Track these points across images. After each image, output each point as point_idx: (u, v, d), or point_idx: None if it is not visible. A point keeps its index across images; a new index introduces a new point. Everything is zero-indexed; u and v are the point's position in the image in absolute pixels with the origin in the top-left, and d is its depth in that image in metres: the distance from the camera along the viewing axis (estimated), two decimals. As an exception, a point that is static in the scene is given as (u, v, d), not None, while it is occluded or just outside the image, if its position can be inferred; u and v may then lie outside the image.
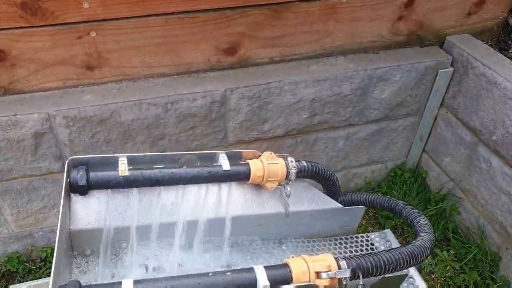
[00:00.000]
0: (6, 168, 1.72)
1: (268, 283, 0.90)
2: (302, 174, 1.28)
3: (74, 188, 1.06)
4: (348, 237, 1.48)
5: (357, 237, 1.49)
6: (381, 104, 2.07)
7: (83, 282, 1.01)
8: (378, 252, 1.07)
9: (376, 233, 1.53)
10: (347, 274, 0.96)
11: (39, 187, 1.83)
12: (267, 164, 1.20)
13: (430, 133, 2.30)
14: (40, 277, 2.10)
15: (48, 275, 2.09)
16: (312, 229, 1.41)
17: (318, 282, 0.94)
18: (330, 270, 0.95)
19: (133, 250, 1.14)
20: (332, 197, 1.41)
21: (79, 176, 1.06)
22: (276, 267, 0.96)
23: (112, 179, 1.09)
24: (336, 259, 0.99)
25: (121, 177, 1.09)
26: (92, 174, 1.08)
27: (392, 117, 2.16)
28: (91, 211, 1.15)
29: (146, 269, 1.16)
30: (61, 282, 0.91)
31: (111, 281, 0.84)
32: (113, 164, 1.13)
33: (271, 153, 1.23)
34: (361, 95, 1.99)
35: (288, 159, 1.26)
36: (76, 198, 1.15)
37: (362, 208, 1.43)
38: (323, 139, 2.13)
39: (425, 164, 2.42)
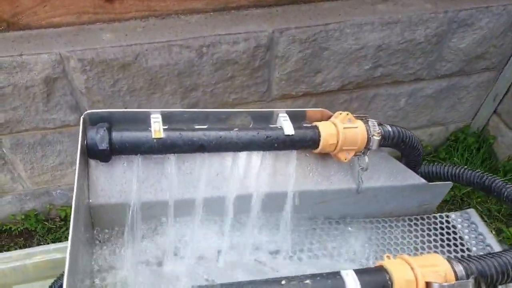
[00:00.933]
0: (15, 118, 1.47)
1: (363, 300, 0.64)
2: (386, 142, 0.98)
3: (93, 153, 0.80)
4: (425, 217, 1.21)
5: (435, 217, 1.22)
6: (457, 56, 1.71)
7: (106, 270, 0.78)
8: (499, 253, 0.79)
9: (458, 213, 1.25)
10: (469, 286, 0.68)
11: (54, 141, 1.60)
12: (343, 128, 0.91)
13: (506, 92, 1.95)
14: (61, 237, 1.93)
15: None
16: (384, 208, 1.14)
17: (428, 297, 0.67)
18: (446, 281, 0.68)
19: (169, 231, 0.89)
20: (412, 170, 1.12)
21: (99, 137, 0.79)
22: (371, 273, 0.70)
23: (143, 143, 0.82)
24: (450, 262, 0.72)
25: (155, 140, 0.82)
26: (116, 135, 0.81)
27: (467, 72, 1.81)
28: (115, 181, 0.89)
29: (184, 254, 0.91)
30: (79, 268, 0.67)
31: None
32: (143, 121, 0.86)
33: (347, 114, 0.94)
34: (436, 43, 1.64)
35: (370, 122, 0.96)
36: (96, 165, 0.89)
37: (449, 184, 1.15)
38: (383, 96, 1.81)
39: (494, 128, 2.09)
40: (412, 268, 0.69)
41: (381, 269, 0.71)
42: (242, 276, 0.86)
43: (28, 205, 1.87)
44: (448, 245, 1.15)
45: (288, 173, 0.95)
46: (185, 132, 0.84)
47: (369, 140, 0.94)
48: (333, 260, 1.01)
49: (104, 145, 0.79)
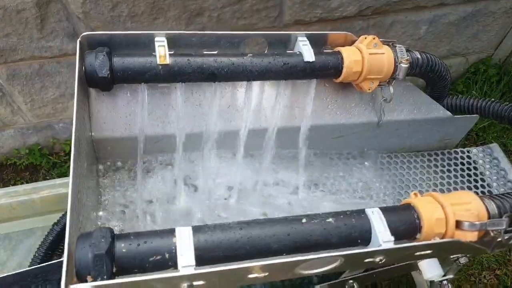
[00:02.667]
0: (8, 46, 1.37)
1: (392, 238, 0.59)
2: (413, 70, 0.90)
3: (92, 81, 0.72)
4: (445, 152, 1.15)
5: (456, 152, 1.16)
6: (488, -24, 1.55)
7: (111, 206, 0.74)
8: (534, 190, 0.74)
9: (480, 148, 1.19)
10: (503, 225, 0.64)
11: (53, 72, 1.50)
12: (369, 54, 0.82)
13: (536, 19, 1.80)
14: (66, 172, 1.90)
15: (74, 170, 1.88)
16: (404, 142, 1.08)
17: (458, 235, 0.63)
18: (478, 219, 0.63)
19: (178, 166, 0.83)
20: (437, 102, 1.04)
21: (99, 63, 0.71)
22: (398, 211, 0.65)
23: (147, 69, 0.73)
24: (482, 199, 0.67)
25: (160, 67, 0.73)
26: (117, 61, 0.72)
27: (496, -5, 1.66)
28: (118, 113, 0.82)
29: (196, 189, 0.87)
30: (82, 207, 0.63)
31: (162, 228, 0.55)
32: (146, 45, 0.77)
33: (374, 38, 0.84)
34: (465, -39, 1.48)
35: (397, 47, 0.87)
36: (97, 95, 0.81)
37: (475, 117, 1.07)
38: (402, 23, 1.67)
39: (518, 58, 1.96)
40: (442, 206, 0.64)
41: (408, 207, 0.66)
42: (256, 213, 0.82)
43: (31, 139, 1.82)
44: (469, 181, 1.10)
45: (305, 106, 0.87)
46: (194, 58, 0.75)
47: (396, 68, 0.85)
48: (350, 196, 0.96)
49: (104, 72, 0.71)
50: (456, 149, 1.16)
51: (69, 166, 1.79)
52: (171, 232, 0.55)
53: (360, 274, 1.05)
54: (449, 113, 1.03)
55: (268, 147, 0.87)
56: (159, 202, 0.79)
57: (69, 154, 1.90)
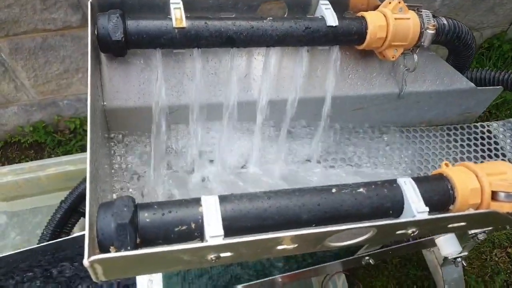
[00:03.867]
0: (10, 18, 1.32)
1: (426, 209, 0.56)
2: (439, 37, 0.85)
3: (105, 45, 0.68)
4: (465, 126, 1.11)
5: (475, 127, 1.12)
6: None
7: (125, 174, 0.71)
8: None
9: (500, 122, 1.16)
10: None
11: (57, 45, 1.45)
12: (394, 19, 0.78)
13: (554, -8, 1.74)
14: (71, 150, 1.87)
15: (79, 148, 1.85)
16: (424, 115, 1.04)
17: (494, 205, 0.60)
18: (514, 191, 0.60)
19: (194, 137, 0.80)
20: (460, 71, 1.00)
21: (112, 26, 0.66)
22: (430, 181, 0.62)
23: (163, 33, 0.69)
24: (517, 170, 0.64)
25: (177, 30, 0.69)
26: (131, 24, 0.68)
27: (515, -34, 1.60)
28: (131, 81, 0.78)
29: (213, 161, 0.83)
30: (100, 177, 0.60)
31: (187, 198, 0.52)
32: (161, 9, 0.73)
33: (400, 1, 0.79)
34: None
35: (423, 12, 0.82)
36: (108, 62, 0.77)
37: (498, 89, 1.04)
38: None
39: (533, 34, 1.91)
40: (476, 176, 0.61)
41: (441, 177, 0.62)
42: (277, 183, 0.79)
43: (35, 117, 1.78)
44: (489, 155, 1.07)
45: (327, 75, 0.83)
46: (212, 21, 0.71)
47: (421, 34, 0.81)
48: (372, 168, 0.93)
49: (118, 35, 0.67)
50: (476, 124, 1.13)
51: (74, 144, 1.75)
52: (197, 201, 0.52)
53: (376, 251, 1.03)
54: (472, 84, 0.99)
55: (287, 119, 0.84)
56: (176, 172, 0.76)
57: (74, 132, 1.87)
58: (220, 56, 0.82)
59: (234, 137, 0.82)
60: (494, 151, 1.08)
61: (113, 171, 0.77)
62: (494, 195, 0.60)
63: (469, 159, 1.05)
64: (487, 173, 0.61)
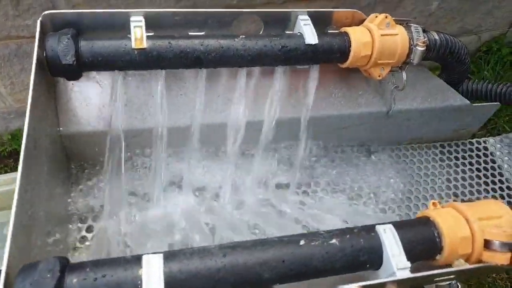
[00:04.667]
0: (-19, 25, 1.25)
1: (408, 264, 0.50)
2: (430, 53, 0.78)
3: (55, 69, 0.61)
4: (460, 143, 1.04)
5: (471, 143, 1.06)
6: None
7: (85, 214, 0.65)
8: None
9: (497, 138, 1.09)
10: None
11: (32, 52, 1.38)
12: (380, 35, 0.70)
13: (556, -6, 1.66)
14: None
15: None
16: (415, 133, 0.97)
17: (487, 256, 0.53)
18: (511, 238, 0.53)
19: (161, 164, 0.73)
20: (453, 88, 0.93)
21: (62, 47, 0.59)
22: (414, 227, 0.55)
23: (120, 55, 0.62)
24: (513, 209, 0.57)
25: (136, 51, 0.62)
26: (85, 45, 0.61)
27: (515, -33, 1.52)
28: (91, 104, 0.72)
29: (180, 190, 0.76)
30: (37, 224, 0.53)
31: (127, 256, 0.45)
32: (122, 26, 0.65)
33: (386, 16, 0.72)
34: None
35: (412, 27, 0.75)
36: (64, 83, 0.70)
37: (495, 105, 0.97)
38: (412, -2, 1.54)
39: (533, 37, 1.83)
40: (467, 221, 0.54)
41: (427, 222, 0.56)
42: (248, 219, 0.72)
43: (14, 124, 1.70)
44: (485, 175, 1.00)
45: (307, 95, 0.76)
46: (176, 41, 0.64)
47: (410, 51, 0.74)
48: (355, 197, 0.87)
49: (69, 58, 0.60)
50: (471, 140, 1.06)
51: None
52: (137, 260, 0.45)
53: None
54: (467, 101, 0.92)
55: (264, 142, 0.77)
56: (138, 207, 0.70)
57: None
58: (189, 75, 0.75)
59: (205, 163, 0.75)
60: (490, 170, 1.02)
61: (69, 209, 0.70)
62: (486, 244, 0.53)
63: (464, 179, 0.99)
64: (479, 217, 0.54)
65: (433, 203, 0.58)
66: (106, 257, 0.46)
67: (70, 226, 0.69)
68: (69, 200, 0.71)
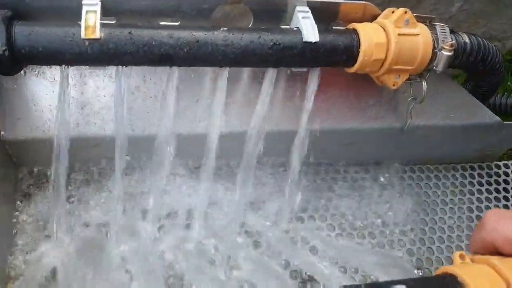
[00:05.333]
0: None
1: None
2: (458, 59, 0.64)
3: (-17, 61, 0.48)
4: (484, 165, 0.90)
5: (497, 166, 0.91)
6: None
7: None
8: None
9: (528, 160, 0.94)
10: None
11: None
12: (397, 35, 0.57)
13: None
14: None
15: None
16: (433, 153, 0.83)
17: None
18: None
19: (119, 181, 0.60)
20: (480, 101, 0.79)
21: (-10, 34, 0.47)
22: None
23: (67, 46, 0.49)
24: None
25: (87, 42, 0.49)
26: (21, 31, 0.48)
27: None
28: (39, 105, 0.59)
29: (144, 216, 0.63)
30: None
31: None
32: (73, 12, 0.52)
33: (405, 12, 0.58)
34: None
35: (438, 26, 0.61)
36: (5, 80, 0.58)
37: (531, 124, 0.82)
38: (433, -3, 1.40)
39: None
40: (508, 284, 0.40)
41: (452, 281, 0.42)
42: (224, 263, 0.58)
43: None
44: (514, 205, 0.86)
45: (304, 104, 0.63)
46: (139, 31, 0.51)
47: (434, 55, 0.60)
48: (358, 232, 0.73)
49: (1, 50, 0.47)
50: (498, 162, 0.91)
51: None
52: None
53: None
54: (497, 118, 0.77)
55: (248, 158, 0.63)
56: (88, 239, 0.56)
57: None
58: (161, 74, 0.62)
59: (175, 182, 0.62)
60: (520, 199, 0.87)
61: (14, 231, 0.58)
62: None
63: (487, 207, 0.84)
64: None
65: (460, 255, 0.44)
66: None
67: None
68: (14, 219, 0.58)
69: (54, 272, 0.56)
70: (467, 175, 0.88)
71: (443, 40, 0.60)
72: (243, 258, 0.58)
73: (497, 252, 0.41)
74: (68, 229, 0.57)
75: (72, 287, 0.53)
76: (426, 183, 0.84)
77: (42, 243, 0.58)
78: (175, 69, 0.56)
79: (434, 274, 0.44)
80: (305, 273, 0.63)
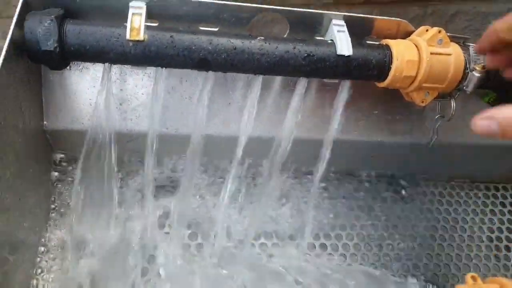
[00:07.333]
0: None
1: None
2: (489, 81, 0.64)
3: (34, 55, 0.52)
4: (509, 187, 0.89)
5: (524, 188, 0.90)
6: None
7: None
8: None
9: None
10: None
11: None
12: (429, 54, 0.57)
13: None
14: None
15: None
16: (459, 170, 0.83)
17: None
18: None
19: (150, 177, 0.63)
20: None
21: (43, 31, 0.50)
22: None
23: (112, 46, 0.52)
24: None
25: (131, 44, 0.52)
26: (71, 30, 0.52)
27: None
28: (80, 98, 0.62)
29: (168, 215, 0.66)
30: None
31: None
32: (118, 13, 0.55)
33: (440, 31, 0.59)
34: None
35: (471, 47, 0.62)
36: (49, 71, 0.61)
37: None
38: (468, 14, 1.37)
39: None
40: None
41: (466, 300, 0.43)
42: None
43: None
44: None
45: (332, 114, 0.64)
46: (181, 35, 0.53)
47: (465, 76, 0.60)
48: (373, 244, 0.74)
49: (50, 44, 0.50)
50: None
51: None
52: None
53: None
54: (526, 140, 0.77)
55: (276, 163, 0.65)
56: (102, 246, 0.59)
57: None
58: (197, 77, 0.65)
59: (198, 184, 0.65)
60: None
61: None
62: None
63: (508, 229, 0.83)
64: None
65: (472, 277, 0.45)
66: None
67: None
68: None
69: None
70: (490, 195, 0.87)
71: (475, 61, 0.60)
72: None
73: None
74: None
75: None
76: (448, 200, 0.84)
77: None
78: (211, 73, 0.59)
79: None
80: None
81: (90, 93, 0.62)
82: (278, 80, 0.65)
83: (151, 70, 0.63)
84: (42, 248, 0.62)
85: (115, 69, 0.62)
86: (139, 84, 0.63)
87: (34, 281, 0.59)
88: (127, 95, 0.63)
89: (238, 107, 0.66)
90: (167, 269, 0.58)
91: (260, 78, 0.59)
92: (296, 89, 0.61)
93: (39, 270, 0.60)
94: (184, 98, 0.65)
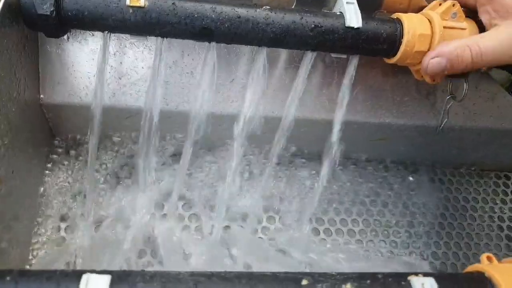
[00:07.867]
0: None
1: None
2: (505, 58, 0.61)
3: (30, 20, 0.49)
4: (521, 176, 0.87)
5: (538, 176, 0.87)
6: None
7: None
8: None
9: None
10: None
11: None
12: (442, 27, 0.55)
13: None
14: None
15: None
16: (467, 156, 0.81)
17: None
18: None
19: (149, 155, 0.61)
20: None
21: (39, -6, 0.48)
22: (462, 282, 0.40)
23: (111, 12, 0.50)
24: None
25: (131, 10, 0.50)
26: (69, -5, 0.49)
27: None
28: (78, 69, 0.60)
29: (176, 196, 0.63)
30: None
31: (65, 270, 0.33)
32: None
33: (453, 4, 0.57)
34: None
35: (486, 22, 0.59)
36: (47, 42, 0.59)
37: None
38: None
39: None
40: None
41: (481, 279, 0.40)
42: (237, 261, 0.57)
43: None
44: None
45: (339, 93, 0.62)
46: (183, 2, 0.51)
47: (480, 53, 0.58)
48: (380, 231, 0.71)
49: (46, 8, 0.48)
50: (536, 173, 0.88)
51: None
52: (76, 278, 0.33)
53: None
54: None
55: (278, 144, 0.63)
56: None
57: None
58: (199, 51, 0.62)
59: (200, 164, 0.62)
60: (558, 213, 0.83)
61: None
62: None
63: (519, 220, 0.81)
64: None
65: (488, 257, 0.43)
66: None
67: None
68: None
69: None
70: (501, 184, 0.85)
71: (490, 37, 0.58)
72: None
73: None
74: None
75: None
76: (457, 188, 0.82)
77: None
78: (214, 47, 0.56)
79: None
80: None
81: (89, 66, 0.60)
82: (282, 56, 0.63)
83: (151, 42, 0.61)
84: (39, 219, 0.60)
85: (114, 41, 0.60)
86: (139, 57, 0.61)
87: (30, 254, 0.57)
88: (127, 68, 0.61)
89: (241, 84, 0.63)
90: (165, 248, 0.56)
91: (264, 53, 0.57)
92: (301, 66, 0.59)
93: (35, 240, 0.58)
94: (186, 73, 0.62)
